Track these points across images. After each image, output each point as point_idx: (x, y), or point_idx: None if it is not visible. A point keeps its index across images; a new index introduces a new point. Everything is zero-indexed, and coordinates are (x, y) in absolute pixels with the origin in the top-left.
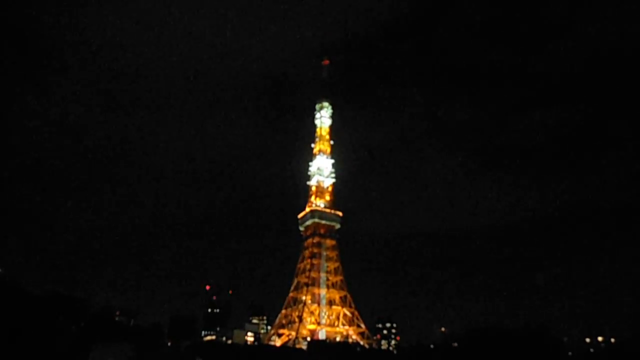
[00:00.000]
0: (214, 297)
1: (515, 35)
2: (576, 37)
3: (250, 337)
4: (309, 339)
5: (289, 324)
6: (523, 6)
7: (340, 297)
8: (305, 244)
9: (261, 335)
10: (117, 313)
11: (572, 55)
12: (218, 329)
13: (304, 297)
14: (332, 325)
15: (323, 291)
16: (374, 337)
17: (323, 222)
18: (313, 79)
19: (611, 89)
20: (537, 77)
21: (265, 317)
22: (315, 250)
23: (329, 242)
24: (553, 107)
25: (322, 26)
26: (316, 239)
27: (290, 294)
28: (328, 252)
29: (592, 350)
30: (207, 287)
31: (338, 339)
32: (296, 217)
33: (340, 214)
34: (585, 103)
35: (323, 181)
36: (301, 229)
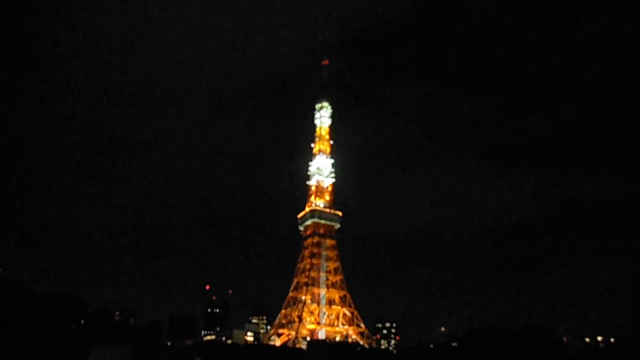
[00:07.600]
0: (214, 297)
1: (521, 34)
2: (582, 36)
3: (250, 337)
4: (308, 338)
5: (289, 323)
6: (529, 4)
7: (340, 297)
8: (305, 243)
9: (261, 335)
10: (117, 313)
11: (579, 54)
12: (218, 328)
13: (303, 297)
14: (331, 325)
15: (323, 291)
16: (374, 337)
17: (323, 221)
18: (313, 79)
19: (618, 88)
20: (542, 76)
21: (265, 317)
22: (315, 250)
23: (329, 241)
24: (559, 106)
25: (322, 26)
26: (316, 239)
27: (290, 294)
28: (328, 252)
29: (592, 350)
30: (207, 287)
31: (338, 338)
32: (296, 216)
33: (340, 213)
34: (593, 102)
35: (323, 181)
36: (301, 228)
